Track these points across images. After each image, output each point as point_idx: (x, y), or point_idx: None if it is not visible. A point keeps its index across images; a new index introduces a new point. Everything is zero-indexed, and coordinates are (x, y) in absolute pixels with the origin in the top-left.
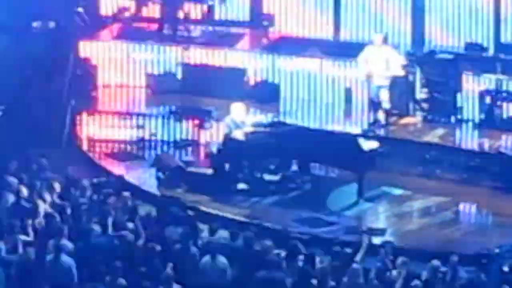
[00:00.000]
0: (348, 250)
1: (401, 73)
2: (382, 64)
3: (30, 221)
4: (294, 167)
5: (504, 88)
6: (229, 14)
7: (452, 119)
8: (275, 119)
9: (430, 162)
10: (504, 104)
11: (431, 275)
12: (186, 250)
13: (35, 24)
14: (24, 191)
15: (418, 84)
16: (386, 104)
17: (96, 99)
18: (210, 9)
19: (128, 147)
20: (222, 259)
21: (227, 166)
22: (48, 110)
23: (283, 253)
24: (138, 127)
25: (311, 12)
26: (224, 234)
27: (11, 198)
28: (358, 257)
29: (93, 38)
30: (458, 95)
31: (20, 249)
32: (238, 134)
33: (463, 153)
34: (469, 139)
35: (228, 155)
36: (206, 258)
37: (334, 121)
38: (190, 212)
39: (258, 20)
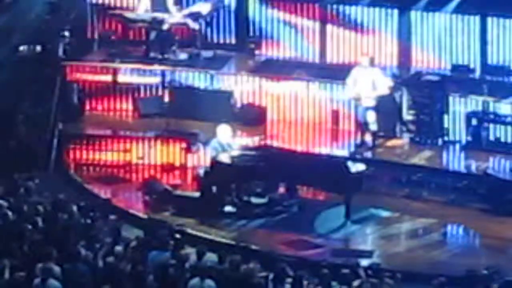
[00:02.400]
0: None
1: (388, 95)
2: (369, 85)
3: (17, 245)
4: (281, 190)
5: (491, 109)
6: (215, 37)
7: (439, 141)
8: (262, 142)
9: (417, 184)
10: (491, 126)
11: None
12: (173, 274)
13: (21, 47)
14: (11, 215)
15: (405, 106)
16: (373, 126)
17: (83, 122)
18: (197, 32)
19: (115, 171)
20: (209, 282)
21: (214, 189)
22: (35, 133)
23: (270, 276)
24: (125, 150)
25: (297, 34)
26: (211, 257)
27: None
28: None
29: (80, 61)
30: (445, 117)
31: (7, 273)
32: (225, 157)
33: (450, 175)
34: (456, 160)
35: (215, 178)
36: (194, 281)
37: (321, 144)
38: (177, 235)
39: (244, 43)
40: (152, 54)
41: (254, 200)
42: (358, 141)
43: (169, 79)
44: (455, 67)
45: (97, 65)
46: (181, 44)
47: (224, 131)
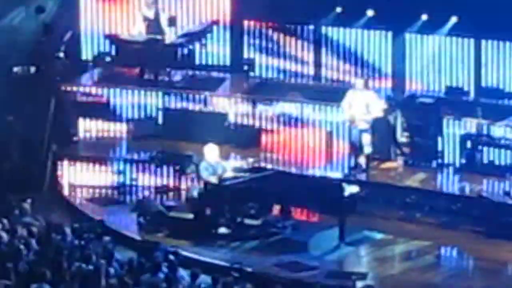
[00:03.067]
0: None
1: (382, 117)
2: (363, 108)
3: (12, 266)
4: (275, 212)
5: (485, 132)
6: (209, 59)
7: (433, 163)
8: (256, 164)
9: (411, 206)
10: (485, 149)
11: None
12: None
13: (15, 69)
14: (5, 236)
15: (399, 129)
16: (367, 148)
17: (77, 144)
18: (191, 53)
19: (109, 192)
20: None
21: (208, 210)
22: (29, 155)
23: None
24: (119, 172)
25: (291, 56)
26: (205, 279)
27: None
28: None
29: (74, 83)
30: (439, 139)
31: None
32: (218, 179)
33: (444, 197)
34: (450, 183)
35: (209, 200)
36: None
37: (315, 165)
38: (171, 257)
39: (239, 64)
40: (146, 76)
41: (248, 221)
42: (352, 163)
43: (163, 100)
44: (450, 90)
45: (91, 87)
46: (175, 66)
47: (211, 151)
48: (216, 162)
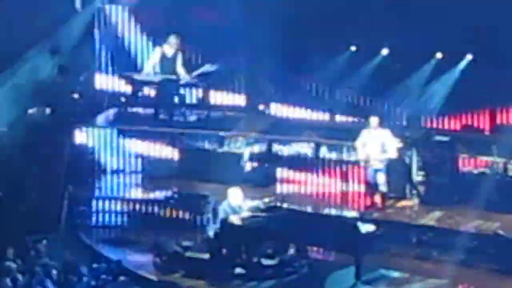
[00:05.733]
0: None
1: (397, 156)
2: (378, 147)
3: None
4: (291, 251)
5: (500, 170)
6: (224, 99)
7: (449, 201)
8: (272, 203)
9: (427, 244)
10: (500, 186)
11: None
12: None
13: (31, 110)
14: (21, 278)
15: (414, 167)
16: (382, 187)
17: (93, 184)
18: (206, 93)
19: (125, 233)
20: None
21: (224, 250)
22: (45, 196)
23: None
24: (135, 212)
25: (306, 95)
26: None
27: (9, 284)
28: None
29: (89, 123)
30: (455, 177)
31: None
32: (235, 219)
33: (460, 235)
34: (465, 221)
35: (225, 240)
36: None
37: (331, 205)
38: None
39: (254, 104)
40: (161, 116)
41: (264, 261)
42: (368, 202)
43: (178, 140)
44: (465, 127)
45: (106, 127)
46: (190, 106)
47: (235, 194)
48: (238, 205)
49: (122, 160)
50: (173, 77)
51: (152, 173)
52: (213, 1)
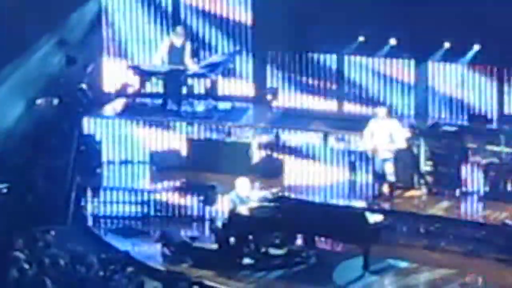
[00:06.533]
0: None
1: (405, 146)
2: (386, 137)
3: None
4: (299, 241)
5: (508, 160)
6: (232, 89)
7: (457, 191)
8: (280, 194)
9: (435, 234)
10: (509, 176)
11: None
12: None
13: (39, 101)
14: (30, 268)
15: (422, 157)
16: (390, 177)
17: (101, 175)
18: (214, 84)
19: (133, 223)
20: None
21: (232, 241)
22: (53, 187)
23: None
24: (143, 203)
25: (314, 85)
26: None
27: (16, 274)
28: None
29: (97, 114)
30: (463, 168)
31: None
32: (243, 209)
33: (468, 225)
34: (474, 211)
35: (233, 230)
36: None
37: (339, 195)
38: (196, 287)
39: (262, 94)
40: (169, 107)
41: (272, 251)
42: (376, 192)
43: (186, 131)
44: (472, 117)
45: (114, 118)
46: (198, 96)
47: (243, 184)
48: (246, 195)
49: (130, 151)
50: (181, 67)
51: (160, 163)
52: None
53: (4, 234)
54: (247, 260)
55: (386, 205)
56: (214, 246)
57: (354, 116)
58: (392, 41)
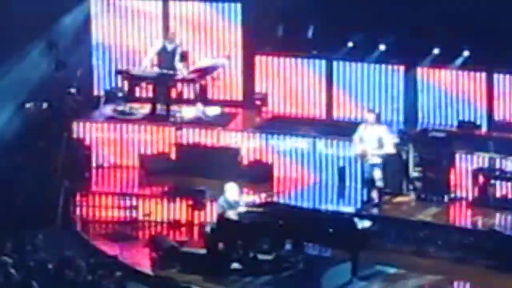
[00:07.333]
0: None
1: (394, 151)
2: (375, 142)
3: None
4: (288, 247)
5: (497, 166)
6: (221, 94)
7: (446, 197)
8: (269, 199)
9: (423, 240)
10: (498, 183)
11: None
12: None
13: (28, 105)
14: (17, 272)
15: (411, 163)
16: (379, 183)
17: (89, 179)
18: (203, 89)
19: (122, 228)
20: None
21: (221, 245)
22: (42, 190)
23: None
24: (132, 207)
25: (304, 91)
26: None
27: (2, 279)
28: None
29: (86, 118)
30: (451, 173)
31: None
32: (232, 214)
33: (457, 232)
34: (462, 217)
35: (222, 235)
36: None
37: (327, 201)
38: None
39: (251, 99)
40: (158, 111)
41: (261, 256)
42: (365, 197)
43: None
44: (462, 123)
45: (103, 122)
46: (187, 101)
47: (232, 189)
48: (235, 200)
49: (119, 155)
50: (170, 72)
51: (149, 168)
52: None
53: None
54: (235, 265)
55: (375, 211)
56: (203, 251)
57: (343, 121)
58: (382, 47)
